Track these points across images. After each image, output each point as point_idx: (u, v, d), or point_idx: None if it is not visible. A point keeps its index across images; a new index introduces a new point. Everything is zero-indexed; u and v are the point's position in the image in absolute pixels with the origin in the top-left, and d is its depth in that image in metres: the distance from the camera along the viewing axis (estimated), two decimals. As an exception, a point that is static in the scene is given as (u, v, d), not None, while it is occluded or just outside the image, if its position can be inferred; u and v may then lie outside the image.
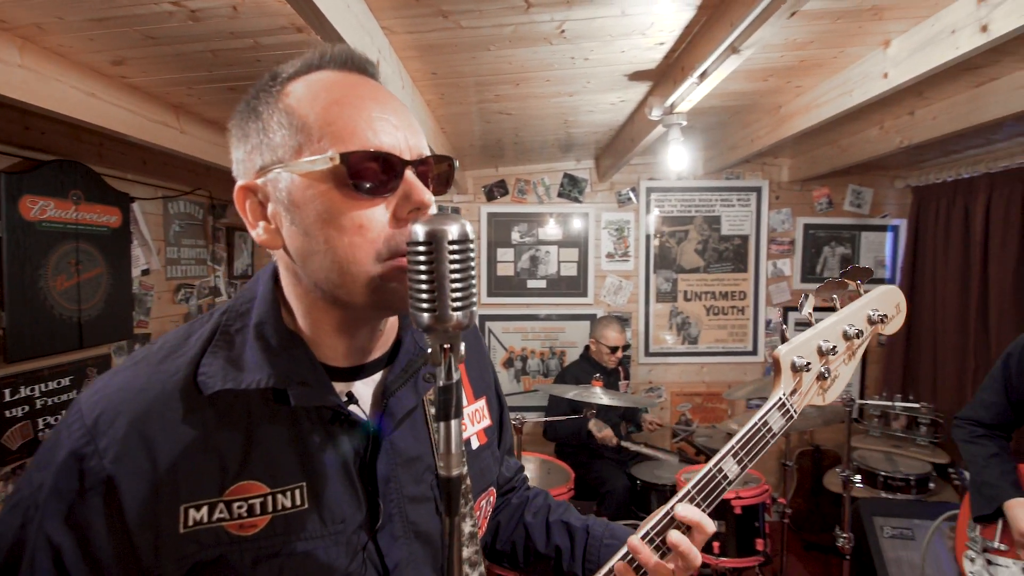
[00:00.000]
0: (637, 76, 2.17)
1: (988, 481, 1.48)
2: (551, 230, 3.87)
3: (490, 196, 3.95)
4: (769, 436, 0.78)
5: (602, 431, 2.97)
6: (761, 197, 3.79)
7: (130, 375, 0.61)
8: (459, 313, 0.52)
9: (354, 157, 0.56)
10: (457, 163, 0.66)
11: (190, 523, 0.57)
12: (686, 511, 0.71)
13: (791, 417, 0.79)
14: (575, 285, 3.88)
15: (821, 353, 0.82)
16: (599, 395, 2.45)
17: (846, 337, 0.84)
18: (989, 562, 1.47)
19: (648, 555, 0.70)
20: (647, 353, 3.86)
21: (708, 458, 3.42)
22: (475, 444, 0.81)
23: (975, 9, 1.55)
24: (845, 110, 2.23)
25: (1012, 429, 1.56)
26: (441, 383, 0.53)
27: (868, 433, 3.43)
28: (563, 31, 1.71)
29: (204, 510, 0.58)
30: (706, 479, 0.75)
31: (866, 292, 0.88)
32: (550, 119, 2.77)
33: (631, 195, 3.84)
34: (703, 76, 1.74)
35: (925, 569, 2.36)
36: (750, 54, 1.59)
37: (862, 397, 3.68)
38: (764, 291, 3.83)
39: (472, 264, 0.54)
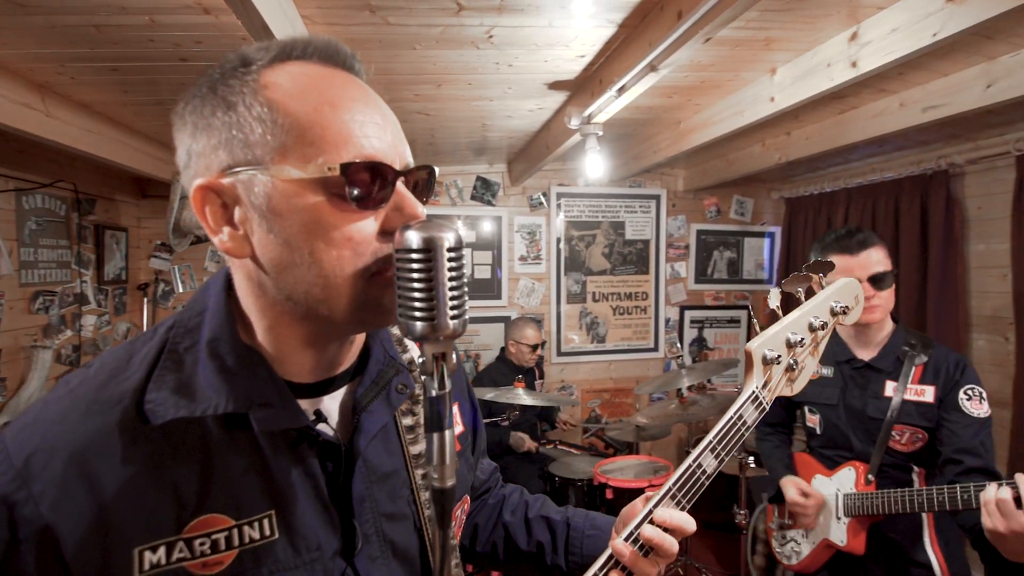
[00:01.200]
0: (556, 85, 2.23)
1: (773, 467, 1.78)
2: (464, 232, 3.87)
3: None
4: (744, 429, 0.79)
5: (524, 444, 3.02)
6: (660, 204, 4.07)
7: (65, 406, 0.54)
8: (455, 322, 0.51)
9: (353, 168, 0.52)
10: (437, 170, 0.64)
11: (146, 567, 0.51)
12: (666, 515, 0.72)
13: (763, 410, 0.80)
14: (489, 288, 3.90)
15: (789, 345, 0.84)
16: (522, 396, 2.49)
17: (811, 329, 0.86)
18: (784, 536, 1.75)
19: (631, 554, 0.71)
20: (559, 353, 3.98)
21: (617, 451, 3.59)
22: None
23: (847, 47, 1.79)
24: (737, 128, 2.46)
25: (789, 427, 1.89)
26: (434, 394, 0.52)
27: (752, 419, 3.82)
28: (491, 36, 1.72)
29: (161, 551, 0.52)
30: (686, 475, 0.75)
31: (828, 285, 0.91)
32: (468, 122, 2.77)
33: (542, 199, 3.95)
34: (622, 90, 1.84)
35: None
36: (666, 73, 1.70)
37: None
38: (664, 292, 4.11)
39: (465, 271, 0.53)
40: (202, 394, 0.55)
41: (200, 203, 0.54)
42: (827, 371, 1.67)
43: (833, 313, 0.90)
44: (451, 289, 0.50)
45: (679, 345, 4.14)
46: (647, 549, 0.71)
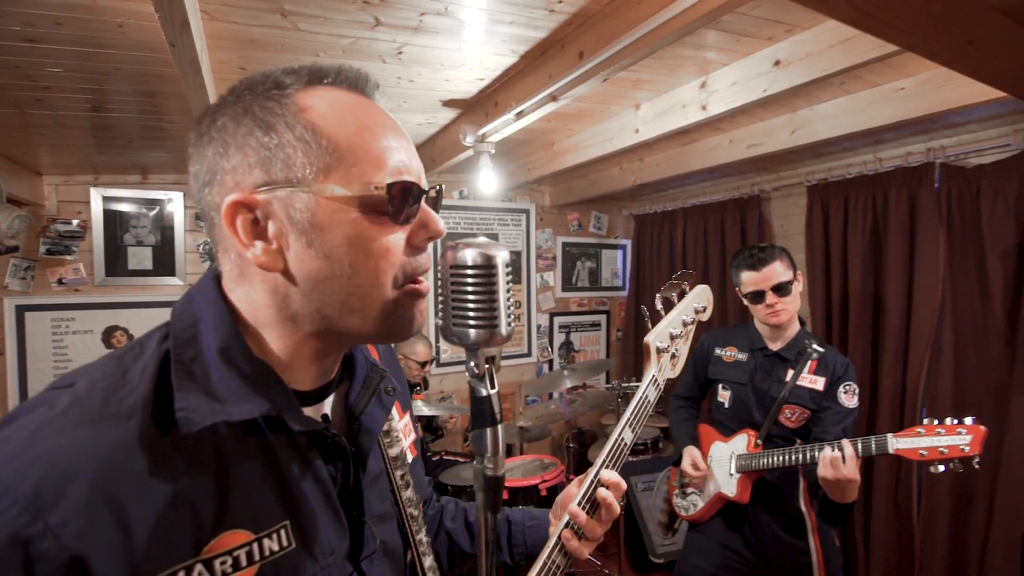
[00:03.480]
0: (450, 103, 2.32)
1: (678, 436, 2.16)
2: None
3: (263, 205, 3.59)
4: (649, 406, 0.98)
5: None
6: (530, 218, 4.35)
7: (64, 426, 0.49)
8: (509, 328, 0.58)
9: (394, 187, 0.57)
10: (443, 187, 0.70)
11: None
12: (608, 475, 0.86)
13: (660, 389, 1.01)
14: (365, 300, 3.80)
15: (672, 338, 1.06)
16: (420, 406, 2.50)
17: (684, 324, 1.10)
18: (684, 493, 2.10)
19: (584, 517, 0.83)
20: (438, 364, 4.02)
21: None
22: (409, 458, 0.84)
23: (698, 93, 2.16)
24: (605, 154, 2.78)
25: (698, 401, 2.26)
26: (484, 393, 0.59)
27: (614, 412, 4.25)
28: (401, 53, 1.75)
29: None
30: (614, 448, 0.91)
31: (690, 291, 1.16)
32: (353, 132, 2.71)
33: (419, 211, 3.97)
34: (520, 114, 1.99)
35: (655, 505, 3.15)
36: (566, 103, 1.89)
37: (608, 382, 4.53)
38: (535, 300, 4.39)
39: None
40: (229, 400, 0.54)
41: (231, 217, 0.55)
42: (743, 356, 1.99)
43: (696, 312, 1.15)
44: (508, 300, 0.57)
45: (550, 349, 4.45)
46: (589, 510, 0.84)
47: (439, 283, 0.60)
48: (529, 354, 4.37)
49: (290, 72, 0.59)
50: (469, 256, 0.56)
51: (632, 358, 4.55)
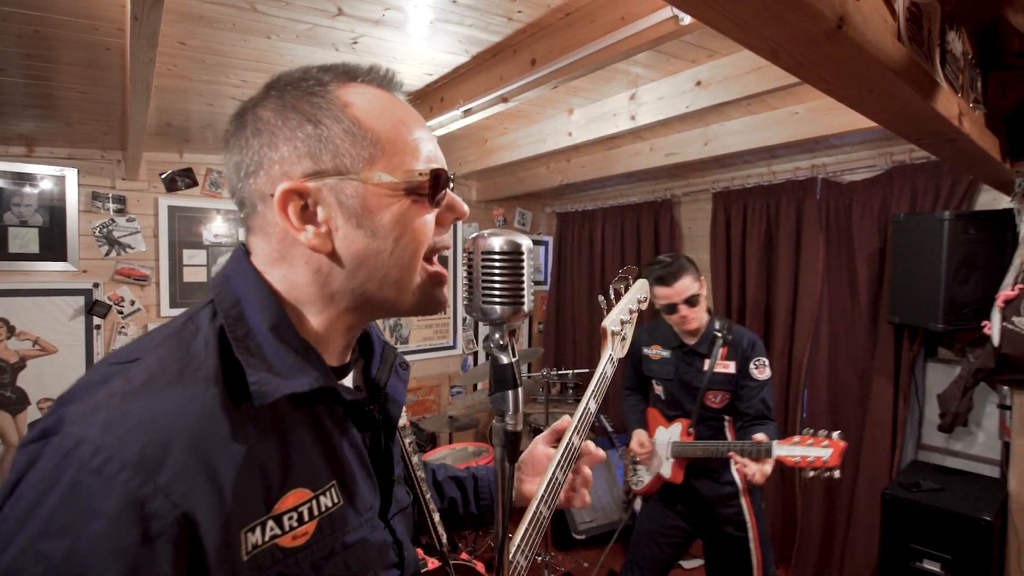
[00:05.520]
0: (394, 95, 2.34)
1: (630, 421, 2.39)
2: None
3: (171, 186, 3.37)
4: (607, 381, 1.11)
5: None
6: (457, 212, 4.42)
7: (152, 396, 0.53)
8: (531, 305, 0.68)
9: (433, 173, 0.64)
10: (455, 175, 0.77)
11: (250, 548, 0.55)
12: (587, 446, 0.99)
13: (615, 366, 1.15)
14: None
15: (623, 323, 1.21)
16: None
17: (631, 312, 1.25)
18: (635, 469, 2.35)
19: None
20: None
21: (423, 446, 3.81)
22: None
23: (628, 104, 2.36)
24: (538, 154, 2.93)
25: (643, 389, 2.47)
26: (505, 361, 0.68)
27: (536, 401, 4.44)
28: (356, 43, 1.76)
29: (258, 532, 0.56)
30: (583, 417, 1.02)
31: (635, 283, 1.32)
32: (286, 116, 2.62)
33: (346, 201, 3.89)
34: (468, 112, 2.07)
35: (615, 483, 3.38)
36: (515, 104, 2.00)
37: (530, 372, 4.71)
38: (460, 293, 4.46)
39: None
40: (289, 375, 0.59)
41: (284, 204, 0.60)
42: (667, 353, 2.21)
43: (639, 301, 1.32)
44: (530, 281, 0.67)
45: (475, 341, 4.55)
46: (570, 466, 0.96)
47: (465, 266, 0.68)
48: (454, 346, 4.44)
49: (326, 70, 0.64)
50: (497, 244, 0.65)
51: (553, 349, 4.77)
